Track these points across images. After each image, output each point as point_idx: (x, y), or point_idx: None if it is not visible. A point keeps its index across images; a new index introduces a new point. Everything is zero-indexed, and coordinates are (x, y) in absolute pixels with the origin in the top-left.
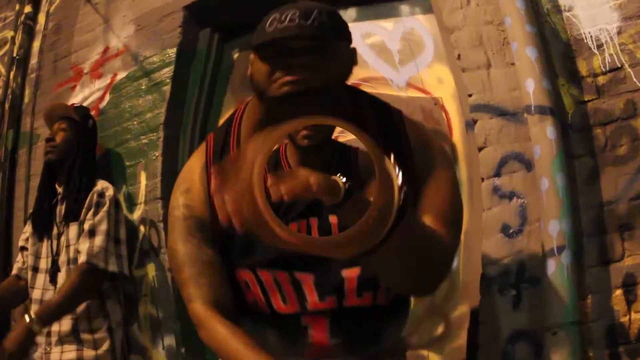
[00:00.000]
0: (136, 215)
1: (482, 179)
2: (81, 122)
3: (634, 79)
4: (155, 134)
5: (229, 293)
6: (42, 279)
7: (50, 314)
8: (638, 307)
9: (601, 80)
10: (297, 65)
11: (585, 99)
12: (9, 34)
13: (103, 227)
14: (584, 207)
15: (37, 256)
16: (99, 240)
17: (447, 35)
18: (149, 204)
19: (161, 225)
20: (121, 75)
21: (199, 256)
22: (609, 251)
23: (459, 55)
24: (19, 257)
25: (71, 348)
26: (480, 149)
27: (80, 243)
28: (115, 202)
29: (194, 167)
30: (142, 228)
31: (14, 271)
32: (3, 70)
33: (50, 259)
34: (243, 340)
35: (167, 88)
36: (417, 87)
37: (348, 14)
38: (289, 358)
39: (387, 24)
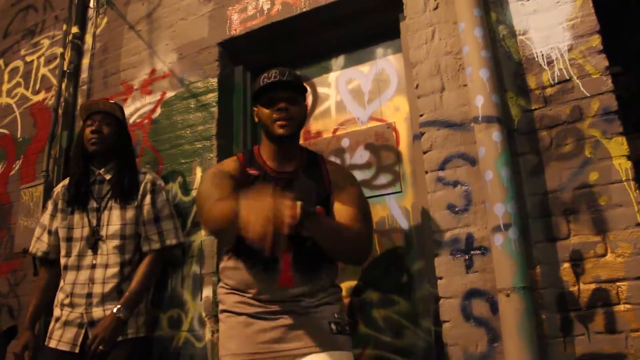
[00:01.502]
0: (190, 197)
1: (426, 172)
2: (122, 120)
3: (582, 89)
4: (208, 142)
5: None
6: (77, 247)
7: (133, 301)
8: (586, 279)
9: (549, 91)
10: (283, 109)
11: (533, 108)
12: (58, 50)
13: (167, 211)
14: (528, 194)
15: (70, 228)
16: (166, 224)
17: (409, 70)
18: None
19: None
20: (170, 93)
21: (216, 195)
22: (554, 230)
23: (417, 85)
24: (46, 240)
25: (112, 305)
26: (425, 152)
27: (149, 233)
28: (164, 189)
29: (228, 160)
30: (194, 207)
31: (40, 254)
32: (55, 81)
33: (87, 229)
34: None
35: (214, 110)
36: (377, 118)
37: (338, 62)
38: (269, 288)
39: (364, 68)
